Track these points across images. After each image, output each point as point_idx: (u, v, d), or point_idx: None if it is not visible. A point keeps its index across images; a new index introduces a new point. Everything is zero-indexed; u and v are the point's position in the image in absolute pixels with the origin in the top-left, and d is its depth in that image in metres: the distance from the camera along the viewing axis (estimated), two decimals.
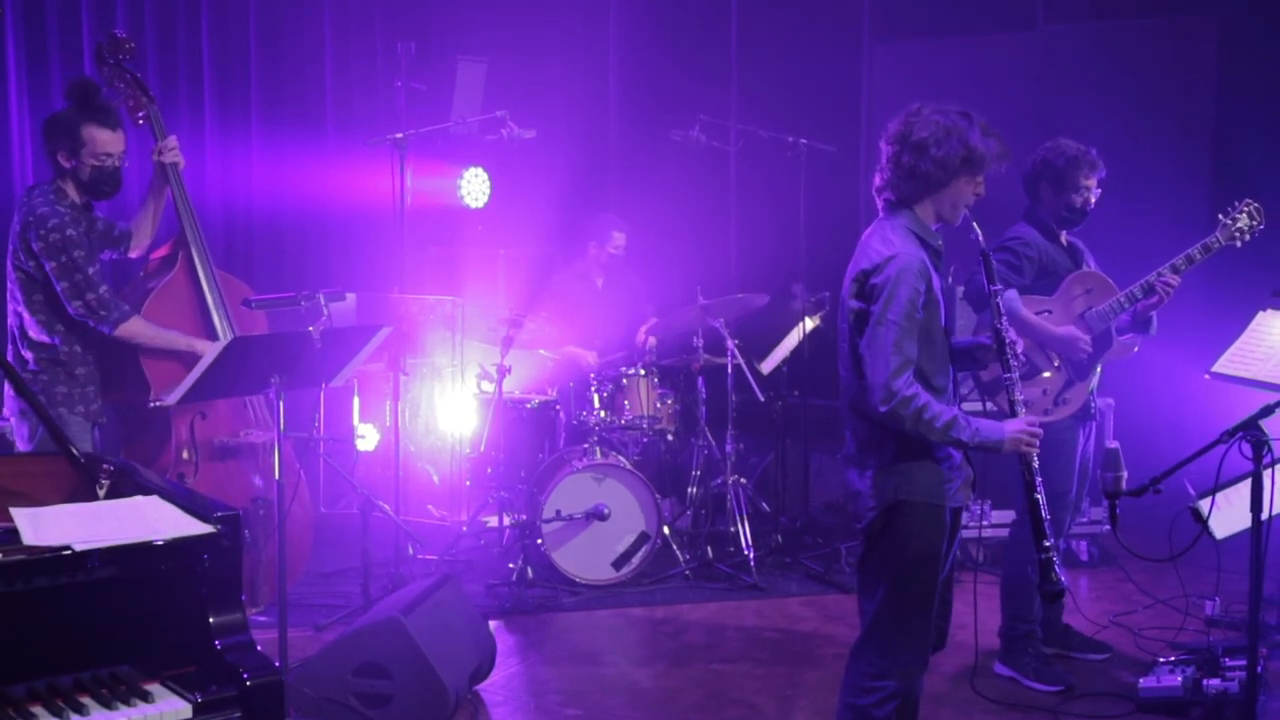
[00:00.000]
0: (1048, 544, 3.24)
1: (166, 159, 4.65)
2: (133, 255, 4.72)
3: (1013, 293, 4.47)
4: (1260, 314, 4.71)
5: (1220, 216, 4.56)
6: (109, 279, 4.46)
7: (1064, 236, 4.71)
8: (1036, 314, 4.54)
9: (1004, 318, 3.36)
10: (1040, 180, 4.64)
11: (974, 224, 3.33)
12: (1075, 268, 4.67)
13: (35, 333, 4.33)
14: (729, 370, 6.27)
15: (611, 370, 6.35)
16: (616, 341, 6.80)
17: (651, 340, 6.65)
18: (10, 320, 4.42)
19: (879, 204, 3.32)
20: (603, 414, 6.16)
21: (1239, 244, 4.54)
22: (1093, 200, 4.62)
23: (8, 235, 4.42)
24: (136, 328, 4.39)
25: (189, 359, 4.33)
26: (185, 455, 4.56)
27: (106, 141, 4.33)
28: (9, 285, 4.39)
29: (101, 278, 4.36)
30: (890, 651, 3.23)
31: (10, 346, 4.41)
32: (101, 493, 2.72)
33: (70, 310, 4.29)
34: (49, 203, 4.29)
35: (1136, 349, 4.72)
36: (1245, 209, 4.55)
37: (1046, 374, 4.56)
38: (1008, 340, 3.33)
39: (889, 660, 3.23)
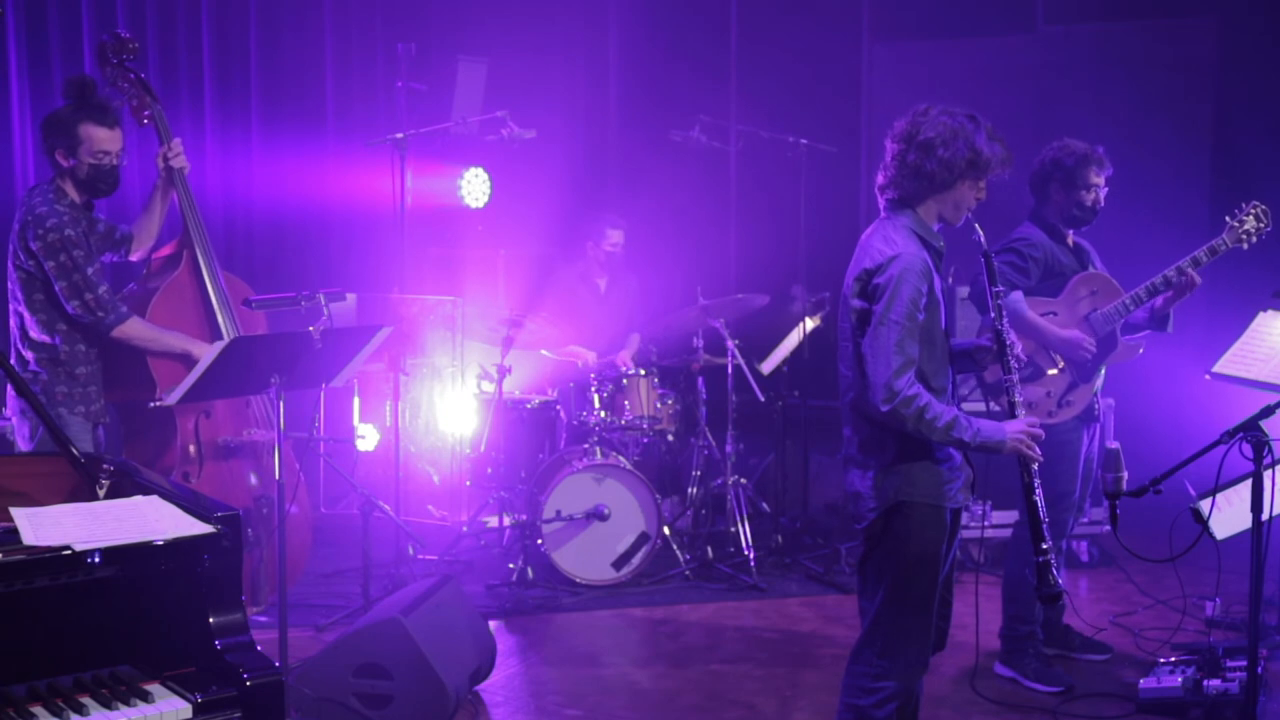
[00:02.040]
0: (1046, 546, 3.23)
1: (175, 163, 4.65)
2: (133, 259, 4.71)
3: (1018, 294, 4.46)
4: (1260, 315, 4.70)
5: (1227, 218, 4.54)
6: (110, 280, 4.46)
7: (1070, 237, 4.70)
8: (1041, 315, 4.53)
9: (1005, 319, 3.36)
10: (1050, 180, 4.62)
11: (976, 225, 3.34)
12: (1081, 269, 4.65)
13: (36, 332, 4.33)
14: (729, 371, 6.28)
15: (612, 371, 6.35)
16: (617, 345, 6.81)
17: (627, 354, 6.67)
18: (11, 320, 4.42)
19: (881, 202, 3.32)
20: (603, 414, 6.16)
21: (1246, 246, 4.51)
22: (1102, 199, 4.61)
23: (8, 235, 4.41)
24: (134, 329, 4.38)
25: (191, 359, 4.32)
26: (190, 454, 4.56)
27: (104, 139, 4.32)
28: (10, 285, 4.39)
29: (101, 278, 4.35)
30: (891, 652, 3.23)
31: (11, 347, 4.40)
32: (101, 493, 2.72)
33: (69, 309, 4.28)
34: (48, 202, 4.29)
35: (1141, 351, 4.72)
36: (1252, 210, 4.51)
37: (1052, 372, 4.56)
38: (1008, 342, 3.33)
39: (889, 661, 3.23)
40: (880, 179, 3.29)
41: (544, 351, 6.61)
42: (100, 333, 4.33)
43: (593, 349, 6.72)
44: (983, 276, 3.46)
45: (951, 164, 3.17)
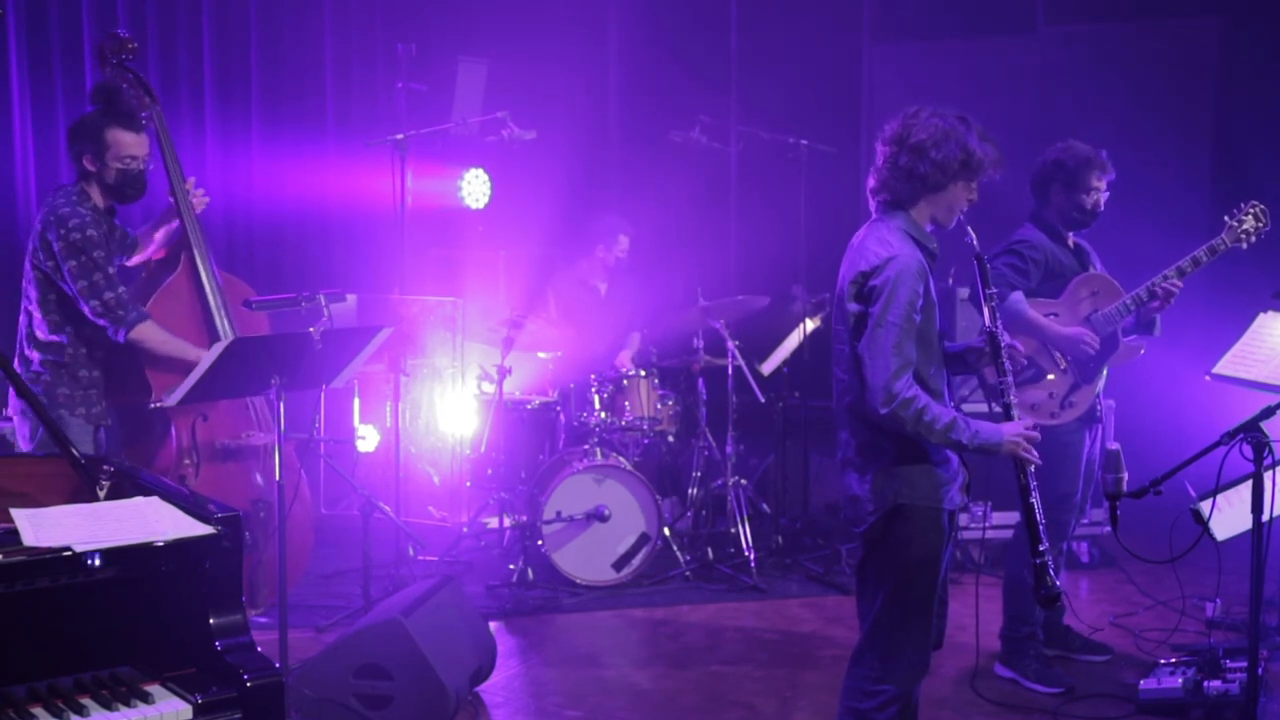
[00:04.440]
0: (1043, 549, 3.22)
1: (198, 204, 4.68)
2: (130, 264, 4.73)
3: (1018, 294, 4.46)
4: (1261, 316, 4.70)
5: (1226, 218, 4.54)
6: None
7: (1071, 239, 4.70)
8: (1043, 317, 4.53)
9: (1000, 321, 3.35)
10: (1052, 182, 4.62)
11: (968, 228, 3.33)
12: (1082, 270, 4.65)
13: (44, 333, 4.34)
14: (729, 371, 6.28)
15: (612, 372, 6.36)
16: (617, 347, 6.80)
17: (628, 354, 6.66)
18: (20, 319, 4.43)
19: (873, 205, 3.32)
20: (603, 415, 6.16)
21: (1245, 246, 4.52)
22: (1102, 202, 4.61)
23: (12, 234, 4.42)
24: (150, 332, 4.38)
25: (192, 365, 4.31)
26: (186, 458, 4.56)
27: (130, 144, 4.35)
28: (24, 285, 4.40)
29: (120, 280, 4.37)
30: (891, 655, 3.22)
31: (17, 346, 4.41)
32: (102, 494, 2.72)
33: (87, 309, 4.28)
34: (71, 203, 4.30)
35: (1142, 352, 4.72)
36: (1251, 210, 4.52)
37: (1052, 376, 4.55)
38: (1003, 344, 3.32)
39: (890, 664, 3.22)
40: (872, 182, 3.29)
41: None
42: (114, 334, 4.33)
43: (593, 352, 6.71)
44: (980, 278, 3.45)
45: (944, 166, 3.16)
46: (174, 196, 4.66)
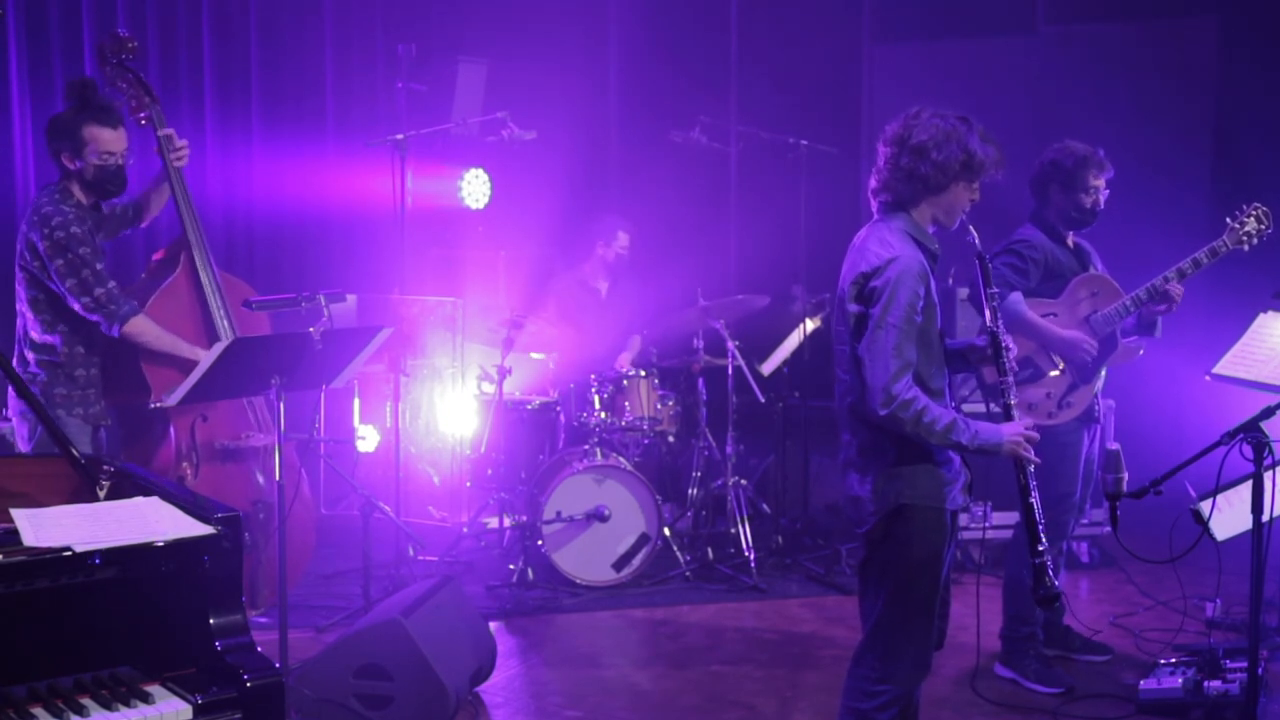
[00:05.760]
0: (1042, 549, 3.22)
1: (179, 162, 4.65)
2: (142, 225, 4.74)
3: (1017, 294, 4.46)
4: (1261, 315, 4.70)
5: (1228, 220, 4.54)
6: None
7: (1071, 239, 4.70)
8: (1042, 317, 4.53)
9: (1000, 321, 3.35)
10: (1050, 182, 4.62)
11: (970, 227, 3.33)
12: (1081, 270, 4.65)
13: (37, 333, 4.34)
14: (729, 372, 6.28)
15: (612, 372, 6.36)
16: (618, 348, 6.81)
17: (628, 356, 6.66)
18: (17, 321, 4.43)
19: (874, 206, 3.32)
20: (603, 415, 6.16)
21: (1247, 248, 4.51)
22: (1102, 201, 4.61)
23: (12, 234, 4.42)
24: (143, 326, 4.39)
25: (188, 364, 4.32)
26: (186, 459, 4.56)
27: (109, 140, 4.33)
28: (16, 287, 4.40)
29: (108, 275, 4.36)
30: (893, 656, 3.22)
31: (15, 347, 4.42)
32: (102, 494, 2.72)
33: (78, 307, 4.28)
34: (54, 202, 4.30)
35: (1141, 352, 4.72)
36: (1253, 213, 4.51)
37: (1053, 374, 4.55)
38: (1004, 344, 3.32)
39: (891, 665, 3.22)
40: (873, 183, 3.29)
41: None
42: (108, 329, 4.33)
43: (593, 352, 6.71)
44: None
45: (945, 167, 3.16)
46: (175, 197, 4.65)
